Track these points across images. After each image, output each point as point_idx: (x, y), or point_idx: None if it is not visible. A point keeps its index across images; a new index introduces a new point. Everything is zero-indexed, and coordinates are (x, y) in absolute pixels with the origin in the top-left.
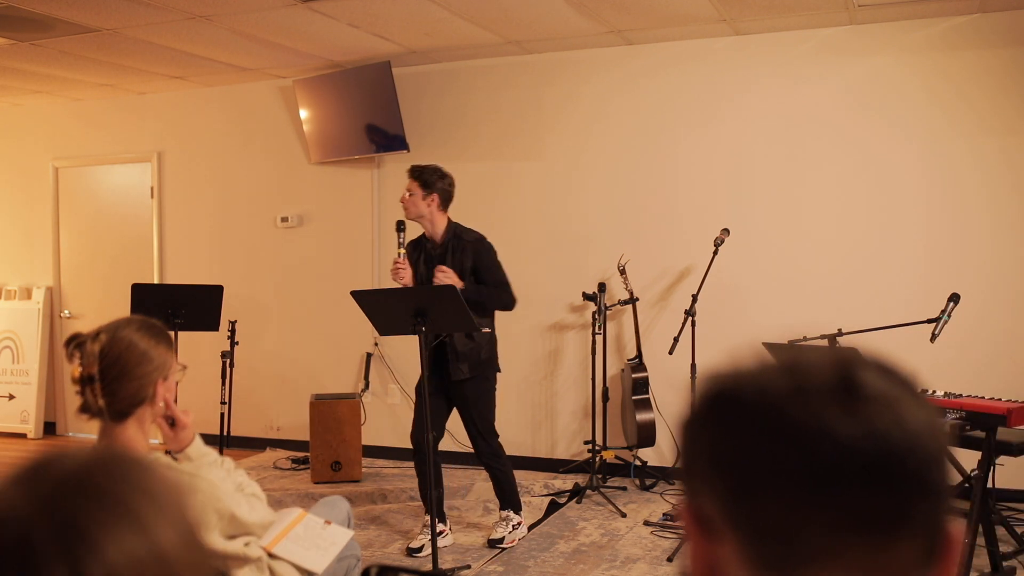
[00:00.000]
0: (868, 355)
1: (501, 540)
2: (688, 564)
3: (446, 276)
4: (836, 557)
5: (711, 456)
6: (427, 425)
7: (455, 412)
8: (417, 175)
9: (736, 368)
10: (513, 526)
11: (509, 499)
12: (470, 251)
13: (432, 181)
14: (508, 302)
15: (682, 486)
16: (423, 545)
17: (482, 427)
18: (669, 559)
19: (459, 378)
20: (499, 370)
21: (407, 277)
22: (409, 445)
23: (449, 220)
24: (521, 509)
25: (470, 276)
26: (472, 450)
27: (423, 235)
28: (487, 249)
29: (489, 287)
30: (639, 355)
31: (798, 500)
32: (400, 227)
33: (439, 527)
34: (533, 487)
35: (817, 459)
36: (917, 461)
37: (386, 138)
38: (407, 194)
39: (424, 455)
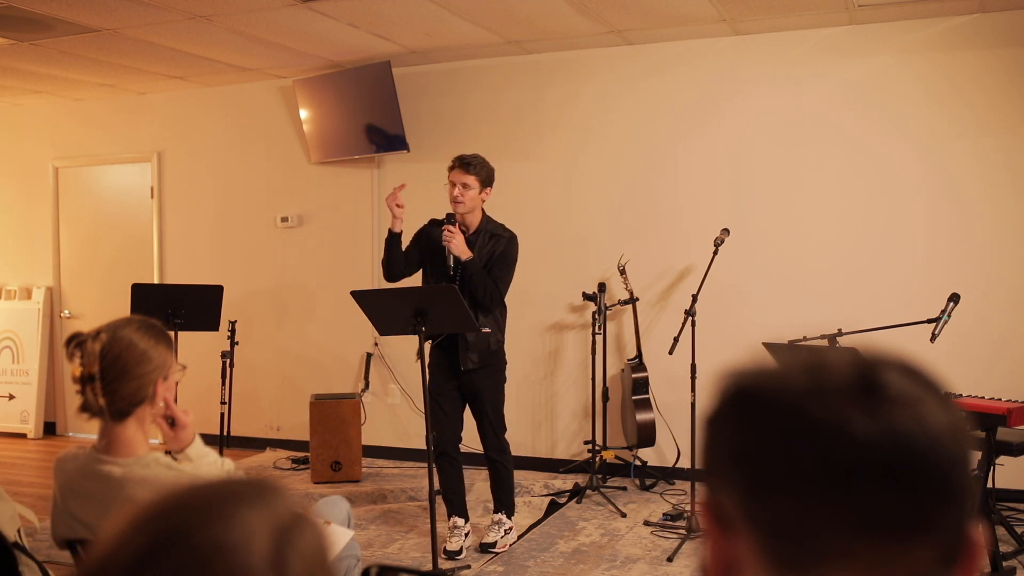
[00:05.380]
0: (891, 355)
1: (493, 544)
2: (706, 560)
3: (453, 236)
4: (851, 558)
5: (730, 453)
6: (428, 426)
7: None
8: (474, 169)
9: (757, 366)
10: (505, 530)
11: (505, 501)
12: (502, 242)
13: (487, 175)
14: (492, 301)
15: (703, 482)
16: (461, 547)
17: (493, 418)
18: (669, 559)
19: (468, 368)
20: (506, 363)
21: (460, 241)
22: (409, 445)
23: (483, 210)
24: (514, 513)
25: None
26: (472, 449)
27: (447, 221)
28: (514, 247)
29: (489, 277)
30: (639, 355)
31: (814, 498)
32: (451, 220)
33: (467, 527)
34: (533, 487)
35: (833, 457)
36: (938, 463)
37: (386, 138)
38: (460, 188)
39: (449, 457)
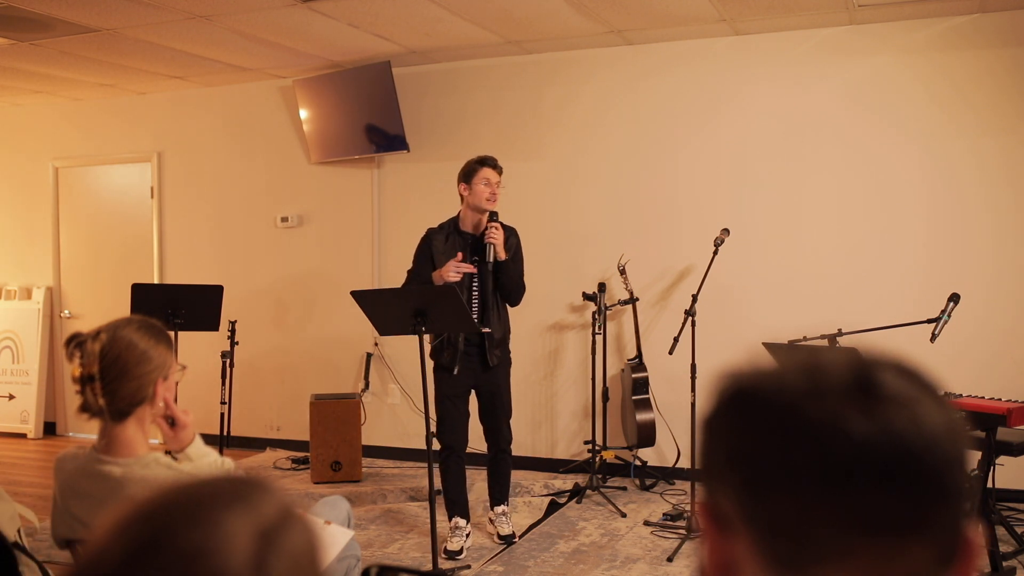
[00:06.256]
0: (888, 356)
1: (514, 535)
2: (704, 561)
3: (500, 232)
4: (849, 557)
5: (728, 453)
6: (427, 424)
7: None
8: (500, 168)
9: (755, 367)
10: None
11: (506, 492)
12: (514, 236)
13: None
14: (521, 296)
15: (701, 482)
16: (461, 547)
17: (509, 410)
18: (669, 559)
19: (494, 363)
20: None
21: (502, 238)
22: (409, 445)
23: None
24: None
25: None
26: (473, 449)
27: (453, 225)
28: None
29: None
30: (639, 355)
31: (811, 498)
32: (494, 216)
33: (468, 528)
34: (533, 487)
35: (831, 458)
36: (934, 463)
37: (386, 138)
38: (495, 187)
39: (459, 457)
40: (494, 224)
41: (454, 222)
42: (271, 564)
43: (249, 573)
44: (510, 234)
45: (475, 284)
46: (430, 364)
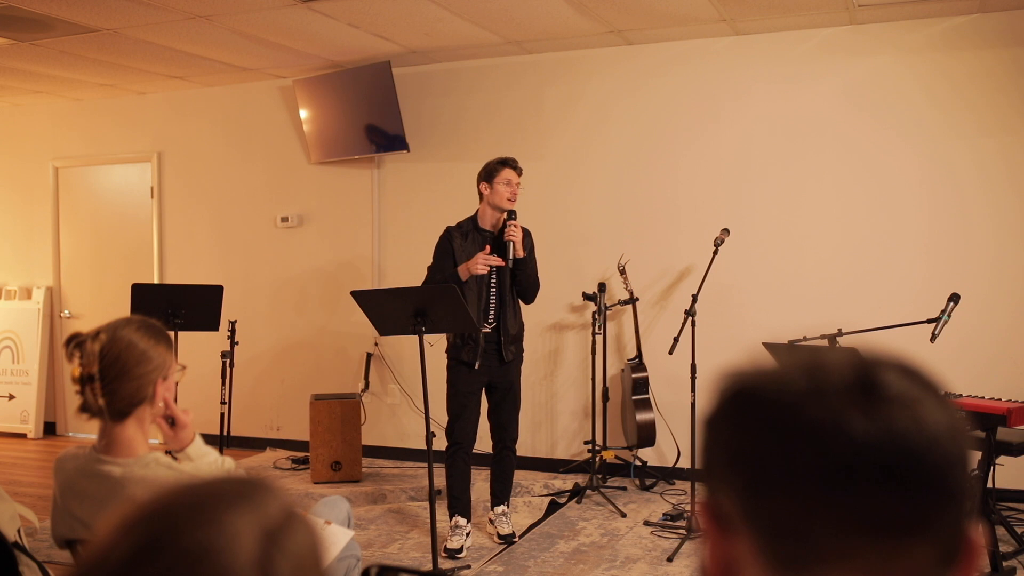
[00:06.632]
0: (889, 355)
1: (514, 535)
2: (705, 561)
3: (518, 231)
4: (849, 558)
5: (729, 453)
6: (427, 424)
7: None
8: (521, 171)
9: (756, 366)
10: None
11: (508, 491)
12: (529, 239)
13: None
14: (537, 291)
15: (702, 482)
16: (462, 546)
17: (519, 406)
18: (669, 559)
19: (510, 359)
20: None
21: (519, 234)
22: (409, 445)
23: None
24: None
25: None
26: (477, 449)
27: (472, 224)
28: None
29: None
30: (639, 355)
31: (812, 499)
32: (513, 215)
33: (468, 527)
34: (533, 487)
35: (831, 458)
36: (935, 463)
37: (386, 138)
38: (516, 187)
39: (467, 455)
40: (513, 223)
41: (472, 220)
42: (276, 564)
43: (254, 573)
44: (525, 234)
45: (493, 281)
46: (439, 362)
